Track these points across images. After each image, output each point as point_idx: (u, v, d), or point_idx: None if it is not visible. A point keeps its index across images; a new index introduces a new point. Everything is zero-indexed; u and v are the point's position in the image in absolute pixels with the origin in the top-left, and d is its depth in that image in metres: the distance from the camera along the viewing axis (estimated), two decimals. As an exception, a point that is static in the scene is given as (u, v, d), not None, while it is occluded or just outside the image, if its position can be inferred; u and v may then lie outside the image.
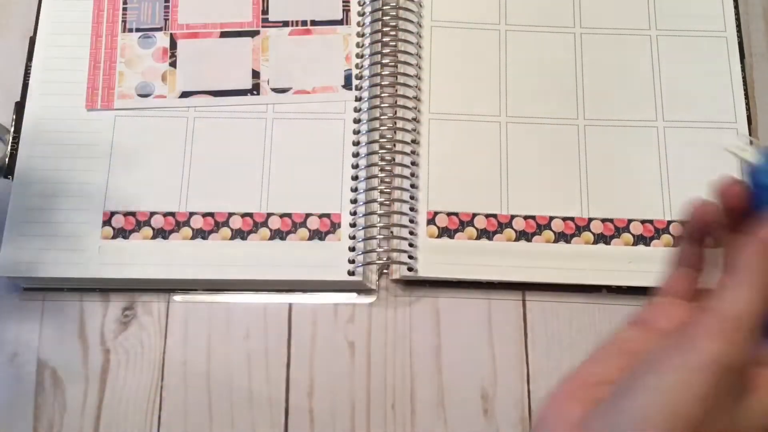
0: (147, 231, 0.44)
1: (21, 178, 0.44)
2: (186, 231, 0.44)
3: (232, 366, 0.43)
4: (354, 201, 0.44)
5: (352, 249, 0.43)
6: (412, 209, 0.44)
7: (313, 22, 0.48)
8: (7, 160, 0.45)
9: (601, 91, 0.47)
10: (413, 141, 0.45)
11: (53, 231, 0.43)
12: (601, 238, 0.44)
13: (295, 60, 0.47)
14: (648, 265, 0.43)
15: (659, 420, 0.24)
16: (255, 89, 0.46)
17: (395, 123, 0.45)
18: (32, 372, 0.42)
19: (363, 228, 0.43)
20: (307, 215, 0.44)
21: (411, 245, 0.43)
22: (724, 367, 0.25)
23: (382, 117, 0.45)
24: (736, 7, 0.49)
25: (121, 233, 0.43)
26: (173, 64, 0.47)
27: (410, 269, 0.43)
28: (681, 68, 0.47)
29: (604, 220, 0.44)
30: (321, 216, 0.44)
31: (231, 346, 0.43)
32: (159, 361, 0.43)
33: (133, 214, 0.44)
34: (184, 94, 0.46)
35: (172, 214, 0.44)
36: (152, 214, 0.44)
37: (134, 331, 0.43)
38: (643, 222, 0.44)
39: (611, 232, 0.44)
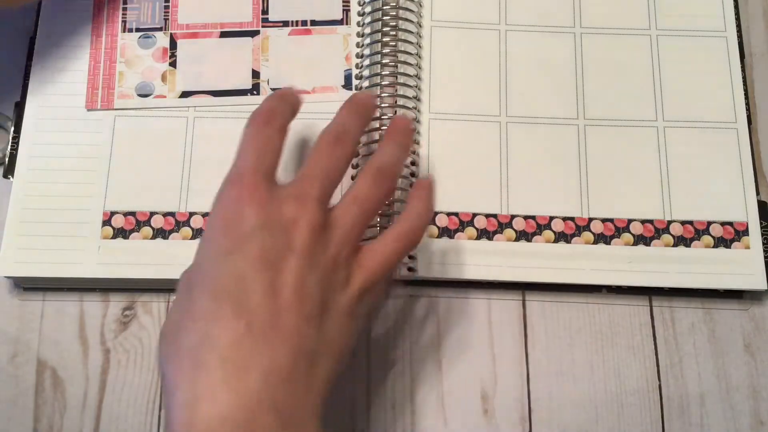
0: (147, 231, 0.44)
1: (21, 178, 0.44)
2: (186, 231, 0.44)
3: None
4: None
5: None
6: None
7: (313, 22, 0.48)
8: (8, 152, 0.45)
9: (601, 91, 0.47)
10: (413, 141, 0.45)
11: (53, 231, 0.43)
12: (601, 238, 0.44)
13: (295, 60, 0.47)
14: (648, 265, 0.43)
15: None
16: (255, 89, 0.46)
17: (395, 123, 0.45)
18: (32, 372, 0.42)
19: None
20: None
21: None
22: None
23: (383, 117, 0.45)
24: (736, 7, 0.49)
25: (121, 233, 0.43)
26: (173, 64, 0.47)
27: (410, 269, 0.43)
28: (681, 68, 0.47)
29: (604, 220, 0.44)
30: None
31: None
32: (159, 361, 0.43)
33: (133, 213, 0.44)
34: (184, 94, 0.46)
35: (172, 214, 0.44)
36: (152, 214, 0.44)
37: (134, 331, 0.43)
38: (643, 222, 0.44)
39: (611, 232, 0.44)
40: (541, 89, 0.47)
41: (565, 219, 0.44)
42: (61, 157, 0.45)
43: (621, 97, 0.47)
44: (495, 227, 0.44)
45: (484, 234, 0.44)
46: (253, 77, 0.47)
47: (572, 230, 0.44)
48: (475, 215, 0.44)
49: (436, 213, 0.44)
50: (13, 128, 0.46)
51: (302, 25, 0.48)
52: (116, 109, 0.46)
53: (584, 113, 0.46)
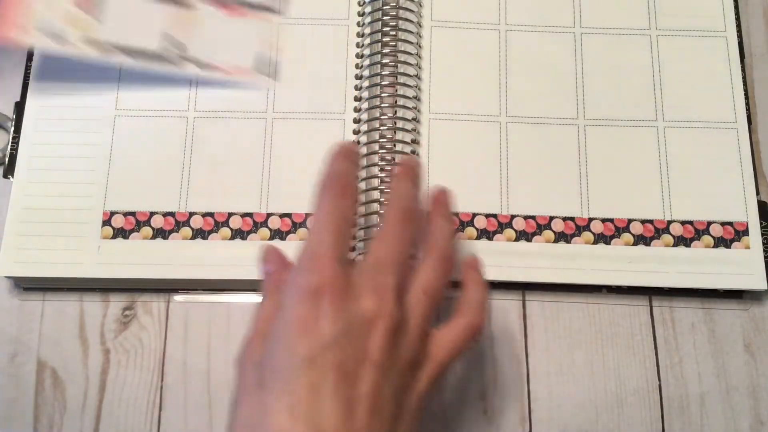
0: (147, 231, 0.44)
1: (21, 178, 0.44)
2: (186, 231, 0.44)
3: (232, 366, 0.42)
4: None
5: (352, 249, 0.43)
6: None
7: (250, 5, 0.47)
8: (8, 152, 0.45)
9: (601, 91, 0.47)
10: (413, 141, 0.45)
11: (53, 231, 0.43)
12: (601, 238, 0.44)
13: (218, 35, 0.46)
14: (648, 265, 0.43)
15: None
16: (168, 55, 0.45)
17: (395, 123, 0.45)
18: (32, 372, 0.42)
19: (363, 228, 0.43)
20: (307, 215, 0.44)
21: None
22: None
23: (382, 117, 0.45)
24: (736, 7, 0.49)
25: (121, 233, 0.43)
26: (90, 13, 0.45)
27: None
28: (681, 68, 0.47)
29: (604, 220, 0.44)
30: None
31: (231, 346, 0.43)
32: (159, 361, 0.43)
33: (132, 213, 0.44)
34: (92, 42, 0.44)
35: (172, 214, 0.44)
36: (152, 214, 0.44)
37: (134, 331, 0.43)
38: (643, 222, 0.44)
39: (611, 232, 0.44)
40: (541, 89, 0.47)
41: (565, 219, 0.44)
42: (61, 157, 0.45)
43: (621, 97, 0.47)
44: (495, 227, 0.44)
45: (484, 234, 0.44)
46: (167, 42, 0.45)
47: (572, 230, 0.44)
48: (475, 215, 0.44)
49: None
50: (13, 128, 0.46)
51: (236, 3, 0.46)
52: (17, 45, 0.44)
53: (584, 113, 0.46)
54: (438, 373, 0.34)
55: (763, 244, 0.44)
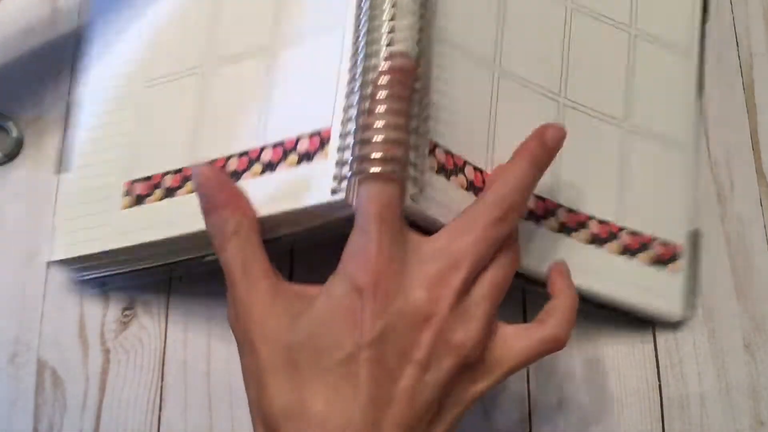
0: (159, 193, 0.41)
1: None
2: (190, 185, 0.40)
3: (232, 366, 0.43)
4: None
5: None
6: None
7: None
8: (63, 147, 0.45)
9: (583, 74, 0.44)
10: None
11: (82, 211, 0.42)
12: (563, 228, 0.42)
13: None
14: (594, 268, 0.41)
15: None
16: None
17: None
18: (32, 372, 0.42)
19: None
20: (298, 139, 0.38)
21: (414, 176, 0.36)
22: None
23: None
24: (702, 29, 0.47)
25: (139, 200, 0.41)
26: None
27: None
28: (650, 75, 0.45)
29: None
30: (311, 135, 0.38)
31: (231, 346, 0.43)
32: (159, 361, 0.43)
33: (149, 178, 0.41)
34: None
35: (179, 171, 0.41)
36: (164, 175, 0.41)
37: (134, 331, 0.43)
38: (600, 222, 0.42)
39: (573, 224, 0.42)
40: (534, 51, 0.43)
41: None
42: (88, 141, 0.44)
43: (598, 87, 0.44)
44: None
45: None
46: None
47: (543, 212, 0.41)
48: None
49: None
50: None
51: None
52: None
53: (566, 92, 0.43)
54: (500, 379, 0.33)
55: (688, 271, 0.42)
